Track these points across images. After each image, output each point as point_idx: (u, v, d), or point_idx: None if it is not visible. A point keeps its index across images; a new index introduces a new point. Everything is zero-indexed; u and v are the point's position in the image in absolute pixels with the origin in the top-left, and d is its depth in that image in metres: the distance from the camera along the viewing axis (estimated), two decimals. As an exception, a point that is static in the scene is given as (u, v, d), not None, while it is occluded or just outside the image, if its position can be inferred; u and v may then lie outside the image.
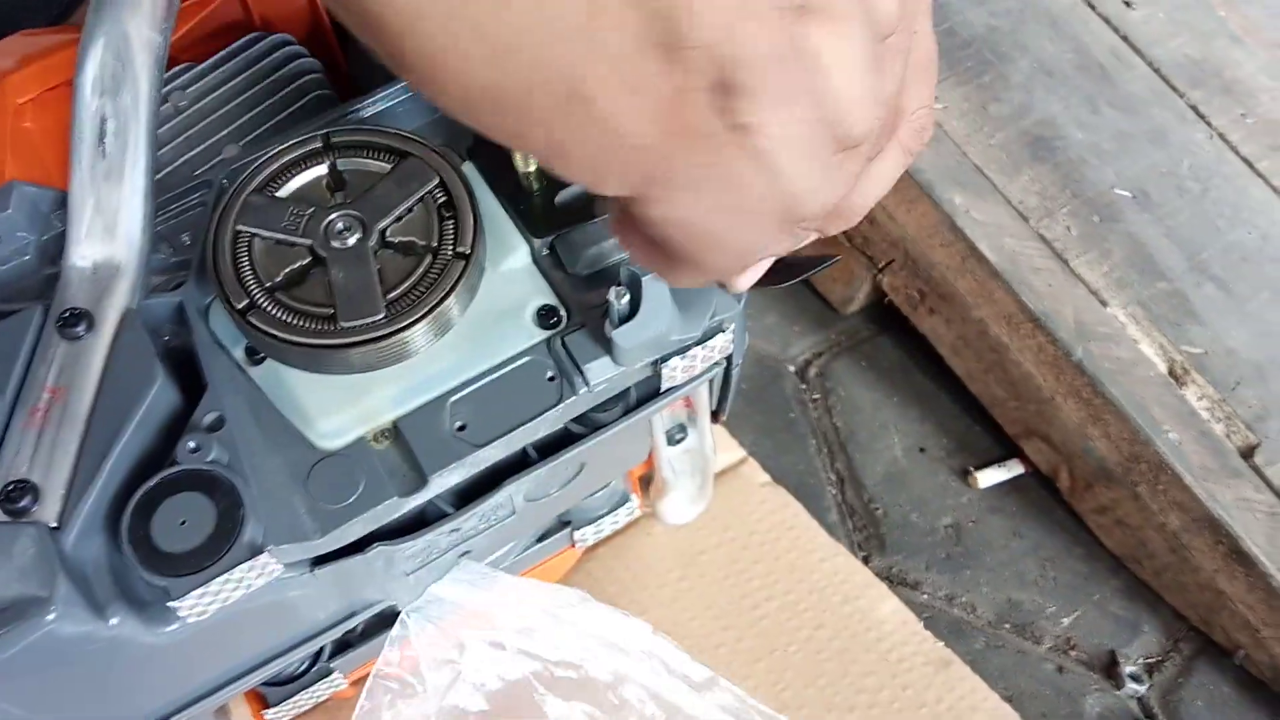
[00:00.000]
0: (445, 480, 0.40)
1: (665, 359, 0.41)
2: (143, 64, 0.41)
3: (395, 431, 0.40)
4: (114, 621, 0.37)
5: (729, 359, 0.45)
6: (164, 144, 0.47)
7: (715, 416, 0.53)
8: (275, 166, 0.42)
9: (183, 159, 0.47)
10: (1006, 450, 0.72)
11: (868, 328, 0.78)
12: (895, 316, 0.75)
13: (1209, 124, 0.77)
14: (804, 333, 0.78)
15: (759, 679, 0.61)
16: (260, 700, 0.50)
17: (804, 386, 0.76)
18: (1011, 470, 0.72)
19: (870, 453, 0.73)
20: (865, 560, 0.67)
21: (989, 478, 0.72)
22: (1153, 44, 0.80)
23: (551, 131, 0.27)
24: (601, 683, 0.51)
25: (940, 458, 0.73)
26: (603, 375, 0.41)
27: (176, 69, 0.48)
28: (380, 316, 0.38)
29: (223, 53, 0.49)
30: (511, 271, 0.42)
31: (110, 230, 0.41)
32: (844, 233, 0.72)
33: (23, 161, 0.45)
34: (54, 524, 0.36)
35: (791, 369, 0.77)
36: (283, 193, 0.42)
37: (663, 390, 0.44)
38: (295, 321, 0.39)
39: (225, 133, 0.48)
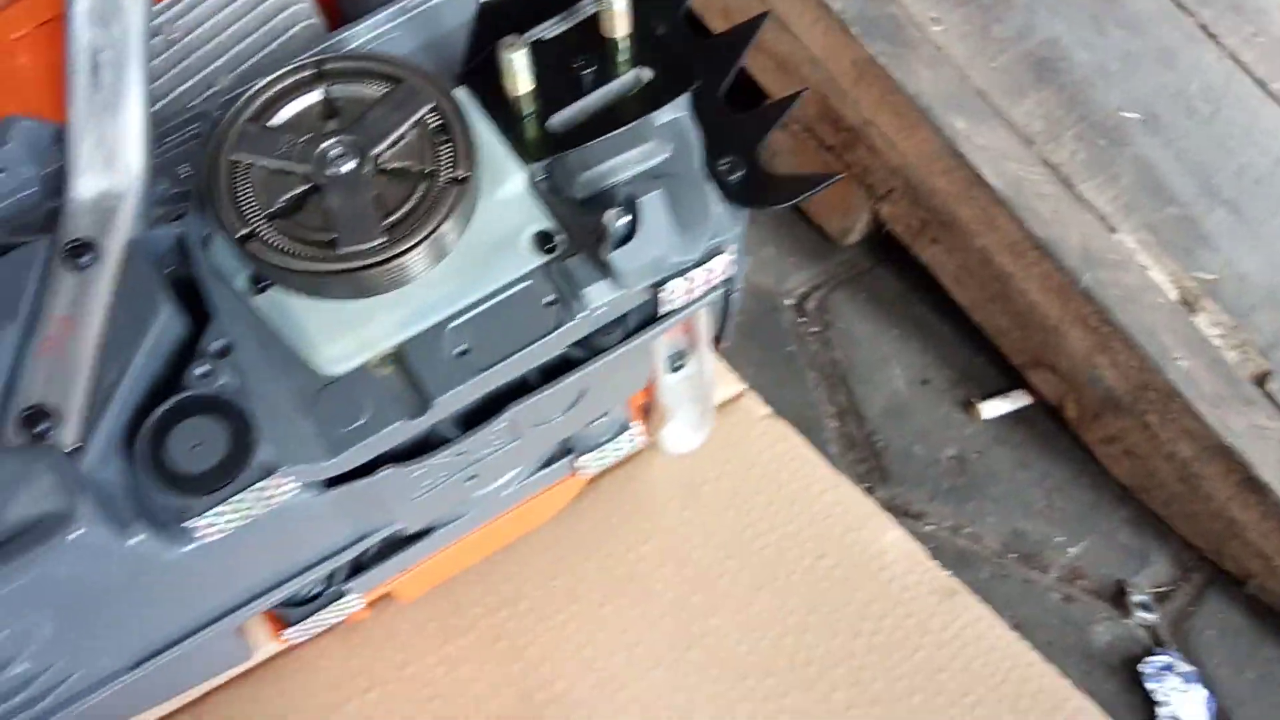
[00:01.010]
0: (449, 404, 0.43)
1: (664, 282, 0.44)
2: (132, -6, 0.43)
3: (398, 357, 0.43)
4: (134, 540, 0.40)
5: (729, 282, 0.48)
6: (158, 76, 0.49)
7: (716, 343, 0.56)
8: (268, 95, 0.44)
9: (177, 91, 0.50)
10: (1011, 381, 0.76)
11: (867, 259, 0.81)
12: (895, 247, 0.78)
13: (1219, 43, 0.79)
14: (801, 265, 0.81)
15: (761, 606, 0.65)
16: (279, 622, 0.54)
17: (802, 320, 0.79)
18: (1017, 401, 0.76)
19: (871, 385, 0.76)
20: (868, 492, 0.71)
21: (993, 409, 0.75)
22: (1161, -40, 0.82)
23: None
24: None
25: (943, 389, 0.76)
26: (601, 298, 0.44)
27: (167, 0, 0.51)
28: (378, 242, 0.41)
29: (211, -17, 0.52)
30: (507, 197, 0.45)
31: (110, 161, 0.44)
32: (842, 161, 0.75)
33: (19, 97, 0.48)
34: (73, 447, 0.40)
35: (789, 303, 0.80)
36: (277, 121, 0.44)
37: (661, 314, 0.47)
38: (294, 248, 0.42)
39: (218, 64, 0.51)
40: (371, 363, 0.43)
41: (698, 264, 0.44)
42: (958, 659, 0.65)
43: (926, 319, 0.78)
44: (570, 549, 0.66)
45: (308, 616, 0.54)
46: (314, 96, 0.45)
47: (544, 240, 0.44)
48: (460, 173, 0.42)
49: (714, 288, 0.47)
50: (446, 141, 0.43)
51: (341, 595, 0.54)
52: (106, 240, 0.43)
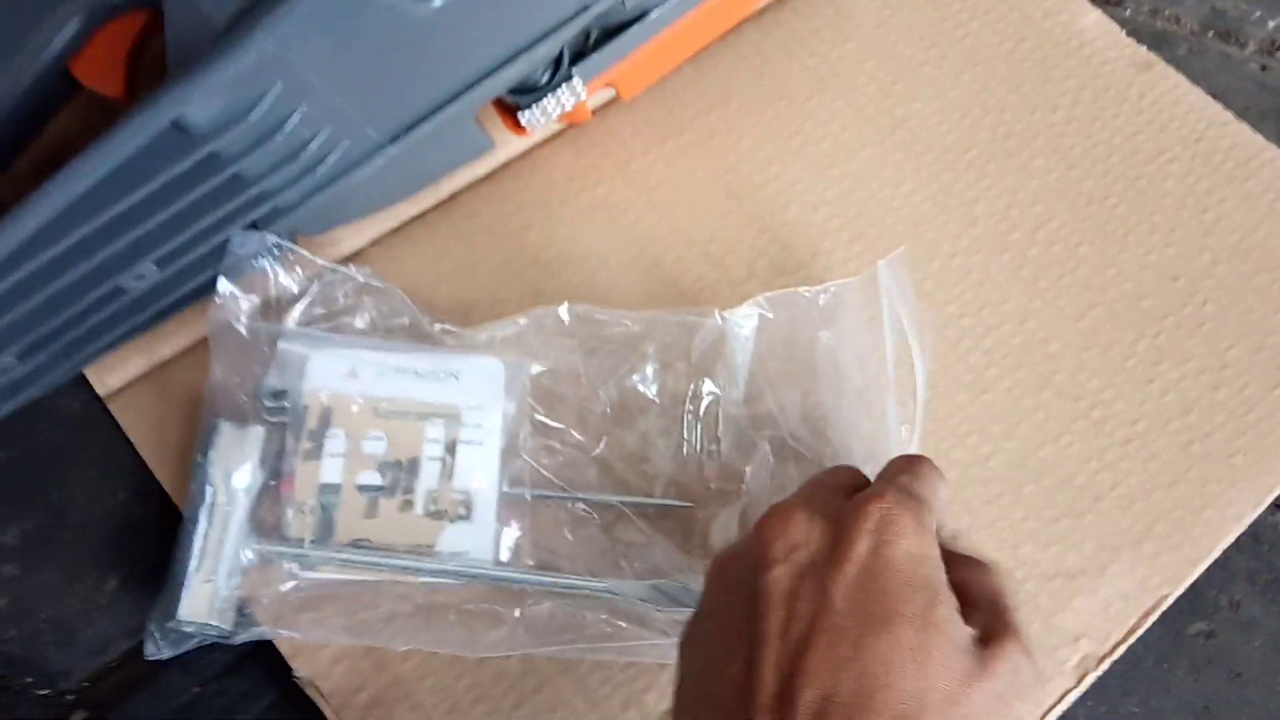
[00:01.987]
0: None
1: None
2: None
3: None
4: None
5: None
6: None
7: None
8: None
9: None
10: None
11: None
12: None
13: None
14: None
15: (962, 90, 0.69)
16: (511, 115, 0.61)
17: None
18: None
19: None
20: (1065, -17, 0.73)
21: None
22: None
23: None
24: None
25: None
26: None
27: None
28: None
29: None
30: None
31: None
32: None
33: None
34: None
35: None
36: None
37: None
38: None
39: None
40: None
41: None
42: (1154, 122, 0.69)
43: None
44: (774, 52, 0.71)
45: (541, 99, 0.60)
46: None
47: None
48: None
49: None
50: None
51: (569, 78, 0.60)
52: None
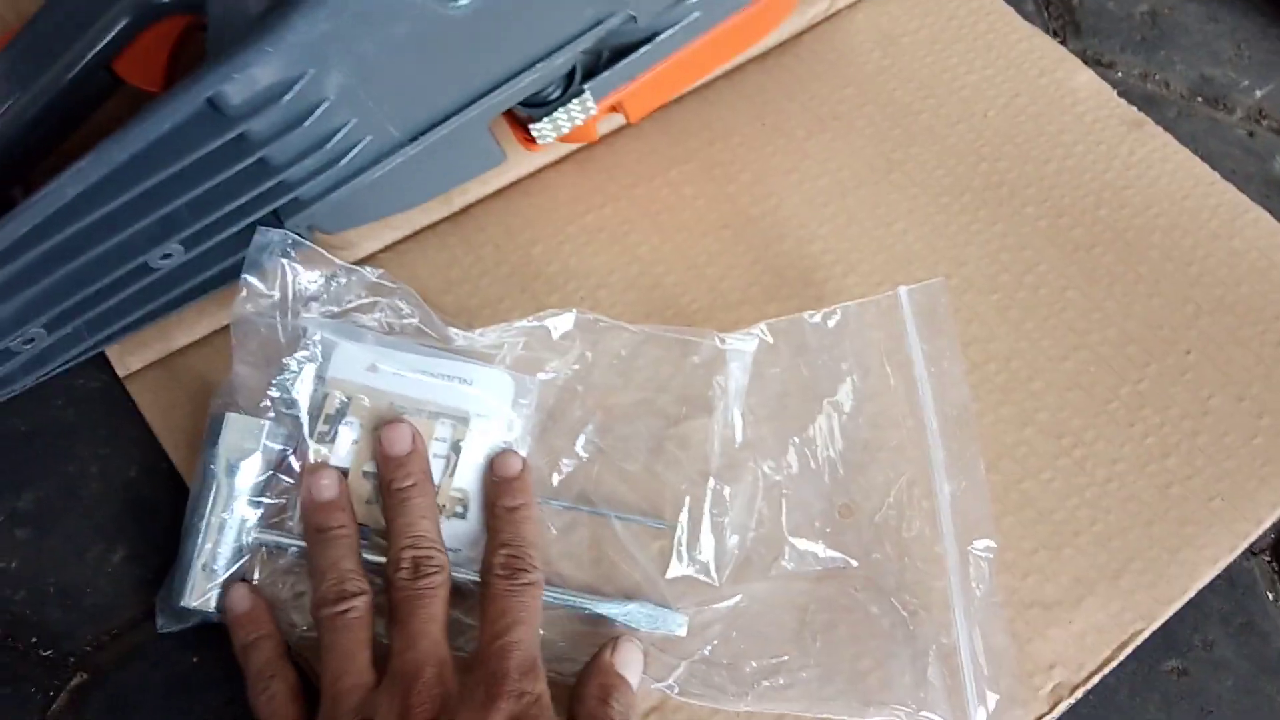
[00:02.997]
0: None
1: None
2: None
3: None
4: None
5: None
6: None
7: None
8: None
9: None
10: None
11: None
12: None
13: None
14: None
15: (958, 138, 0.72)
16: (523, 129, 0.63)
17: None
18: (1212, -41, 0.80)
19: (1069, -59, 0.81)
20: (1060, 44, 0.76)
21: (1188, -35, 0.79)
22: None
23: None
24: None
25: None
26: None
27: None
28: None
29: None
30: None
31: None
32: None
33: None
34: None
35: None
36: None
37: None
38: None
39: None
40: None
41: None
42: (1143, 178, 0.71)
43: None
44: (775, 93, 0.74)
45: (552, 113, 0.62)
46: None
47: None
48: None
49: None
50: None
51: (580, 93, 0.62)
52: None
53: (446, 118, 0.59)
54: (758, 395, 0.61)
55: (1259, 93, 0.77)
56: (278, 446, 0.56)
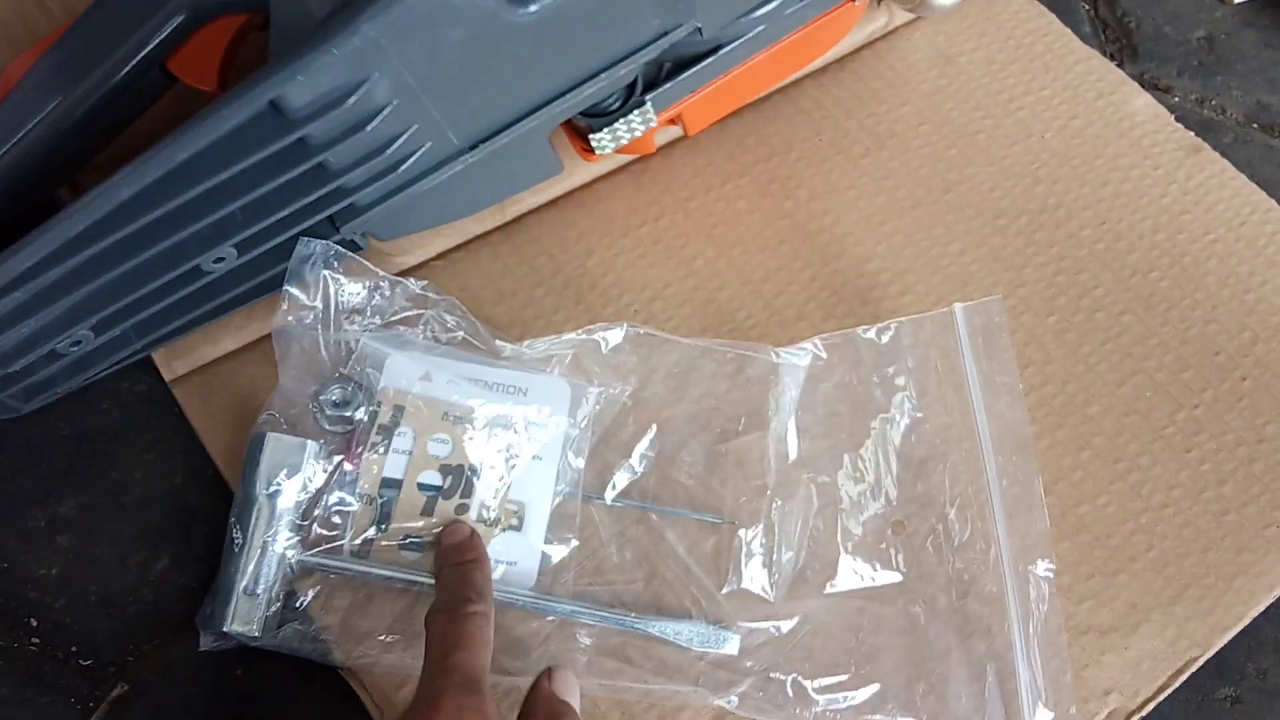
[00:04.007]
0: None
1: None
2: None
3: None
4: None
5: None
6: None
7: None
8: None
9: None
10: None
11: None
12: None
13: None
14: None
15: (1015, 159, 0.72)
16: (582, 139, 0.63)
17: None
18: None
19: (1126, -35, 0.80)
20: (1117, 67, 0.76)
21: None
22: None
23: None
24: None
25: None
26: None
27: None
28: None
29: None
30: None
31: None
32: None
33: None
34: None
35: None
36: None
37: None
38: None
39: None
40: None
41: None
42: (1201, 204, 0.71)
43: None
44: (833, 109, 0.74)
45: (612, 123, 0.62)
46: None
47: None
48: None
49: None
50: None
51: (642, 104, 0.62)
52: None
53: (508, 126, 0.59)
54: (811, 411, 0.61)
55: (1315, 120, 0.76)
56: (322, 466, 0.56)
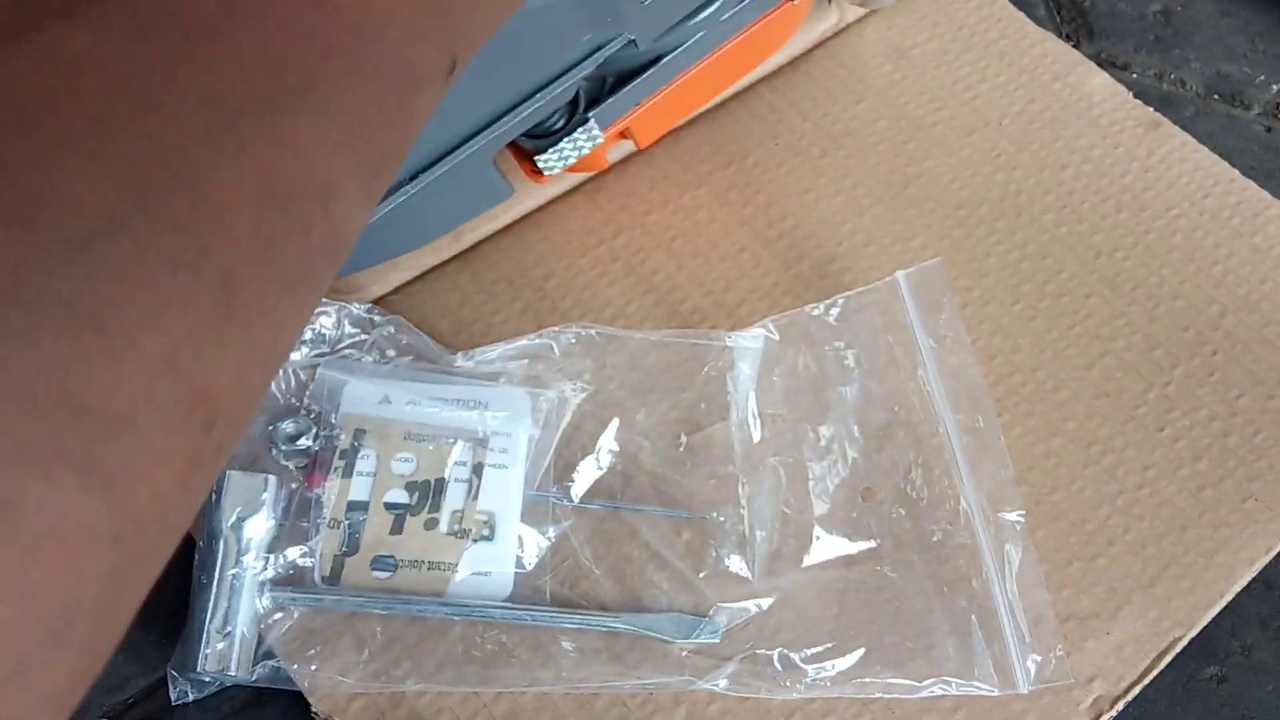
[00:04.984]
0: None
1: None
2: None
3: None
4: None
5: None
6: None
7: None
8: None
9: None
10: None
11: None
12: None
13: None
14: None
15: (973, 149, 0.72)
16: (529, 161, 0.63)
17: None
18: (1222, -48, 0.79)
19: (1076, -56, 0.80)
20: (1073, 47, 0.76)
21: (1198, -40, 0.79)
22: None
23: None
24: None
25: (1148, -53, 0.80)
26: None
27: None
28: None
29: None
30: None
31: None
32: None
33: None
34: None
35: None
36: None
37: None
38: None
39: None
40: None
41: None
42: (1163, 179, 0.71)
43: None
44: (788, 112, 0.74)
45: (557, 143, 0.62)
46: None
47: None
48: None
49: None
50: None
51: (585, 122, 0.62)
52: None
53: (445, 155, 0.59)
54: (770, 392, 0.62)
55: (1275, 87, 0.76)
56: (283, 497, 0.56)
